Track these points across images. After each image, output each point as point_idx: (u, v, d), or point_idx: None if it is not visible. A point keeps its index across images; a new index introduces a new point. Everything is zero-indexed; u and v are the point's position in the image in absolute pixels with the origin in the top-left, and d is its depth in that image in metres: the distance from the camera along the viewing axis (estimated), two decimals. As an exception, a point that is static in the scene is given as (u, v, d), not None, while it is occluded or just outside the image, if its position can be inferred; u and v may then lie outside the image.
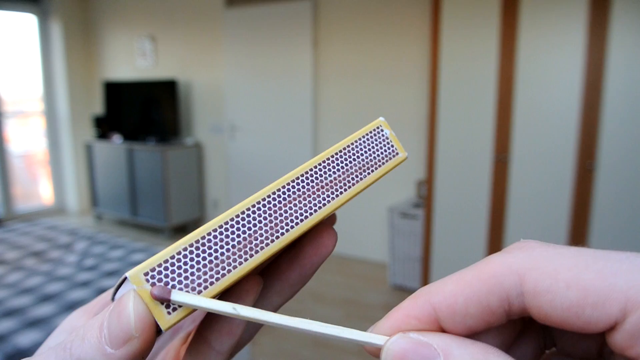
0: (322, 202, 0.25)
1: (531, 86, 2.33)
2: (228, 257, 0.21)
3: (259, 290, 0.24)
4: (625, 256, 0.17)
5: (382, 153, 0.28)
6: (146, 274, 0.19)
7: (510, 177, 2.43)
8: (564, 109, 2.28)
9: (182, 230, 4.37)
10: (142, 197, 4.24)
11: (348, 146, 0.27)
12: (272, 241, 0.22)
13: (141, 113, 4.43)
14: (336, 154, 0.26)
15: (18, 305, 1.60)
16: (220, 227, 0.21)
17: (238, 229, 0.22)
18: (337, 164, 0.26)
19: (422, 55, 3.17)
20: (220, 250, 0.21)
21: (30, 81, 4.83)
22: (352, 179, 0.26)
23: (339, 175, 0.26)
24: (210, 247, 0.21)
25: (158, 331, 0.19)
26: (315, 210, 0.25)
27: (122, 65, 4.82)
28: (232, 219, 0.22)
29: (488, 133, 2.45)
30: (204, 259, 0.21)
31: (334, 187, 0.25)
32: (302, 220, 0.24)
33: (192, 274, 0.20)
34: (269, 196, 0.23)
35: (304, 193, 0.24)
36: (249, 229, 0.22)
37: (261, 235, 0.22)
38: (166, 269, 0.20)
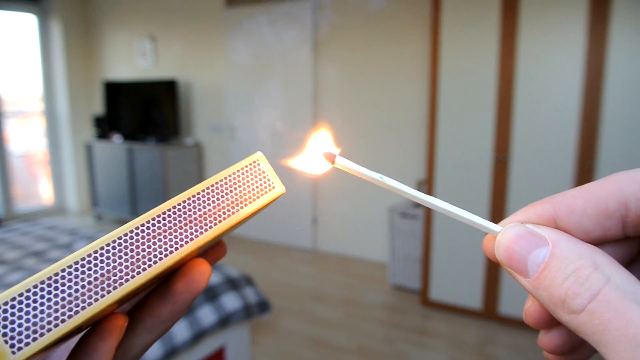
0: (189, 237, 0.24)
1: (531, 86, 2.33)
2: (83, 294, 0.21)
3: (123, 328, 0.24)
4: None
5: (257, 187, 0.27)
6: None
7: (510, 177, 2.43)
8: (564, 109, 2.28)
9: (182, 230, 4.36)
10: (142, 197, 4.24)
11: (221, 180, 0.26)
12: (133, 277, 0.22)
13: (141, 113, 4.43)
14: (207, 188, 0.26)
15: (18, 305, 1.59)
16: (77, 262, 0.21)
17: (96, 264, 0.21)
18: (208, 199, 0.26)
19: (422, 55, 3.17)
20: (74, 287, 0.20)
21: (30, 81, 4.83)
22: (223, 213, 0.26)
23: (209, 210, 0.25)
24: (63, 284, 0.20)
25: None
26: (182, 245, 0.24)
27: (122, 65, 4.82)
28: (89, 255, 0.21)
29: (488, 133, 2.45)
30: (56, 296, 0.20)
31: (203, 222, 0.25)
32: (166, 256, 0.23)
33: (42, 311, 0.19)
34: (131, 230, 0.23)
35: (169, 228, 0.24)
36: (108, 264, 0.22)
37: (121, 270, 0.22)
38: (13, 307, 0.19)
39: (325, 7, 3.52)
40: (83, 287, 0.21)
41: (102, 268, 0.21)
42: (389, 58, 3.33)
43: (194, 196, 0.26)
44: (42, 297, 0.20)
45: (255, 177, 0.27)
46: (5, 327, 0.19)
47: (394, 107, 3.35)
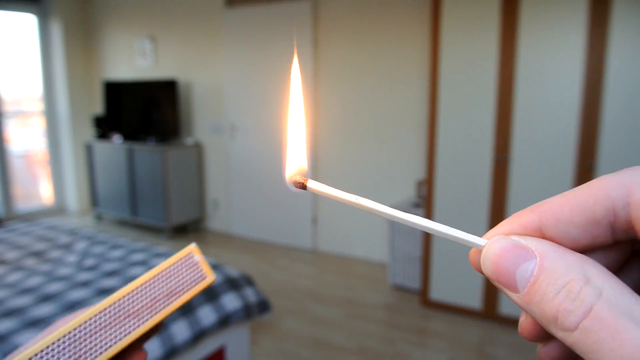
0: (128, 330, 0.27)
1: (531, 86, 2.33)
2: None
3: None
4: None
5: (190, 278, 0.29)
6: None
7: (510, 177, 2.43)
8: (564, 109, 2.28)
9: (182, 230, 4.37)
10: (142, 197, 4.24)
11: (158, 275, 0.28)
12: None
13: (141, 113, 4.43)
14: (145, 282, 0.28)
15: (18, 305, 1.60)
16: None
17: None
18: (145, 293, 0.28)
19: (422, 55, 3.17)
20: None
21: (30, 81, 4.83)
22: (159, 306, 0.28)
23: (146, 304, 0.27)
24: None
25: None
26: (120, 339, 0.26)
27: (122, 65, 4.82)
28: (36, 355, 0.24)
29: (488, 133, 2.45)
30: None
31: (140, 315, 0.27)
32: (106, 350, 0.26)
33: None
34: (72, 330, 0.25)
35: (109, 323, 0.26)
36: None
37: None
38: None
39: (325, 7, 3.52)
40: None
41: None
42: (389, 58, 3.33)
43: (132, 291, 0.27)
44: None
45: (189, 269, 0.29)
46: None
47: (394, 107, 3.35)
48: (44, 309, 1.57)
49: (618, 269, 0.23)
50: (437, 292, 2.73)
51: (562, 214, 0.21)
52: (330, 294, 3.01)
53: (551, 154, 2.33)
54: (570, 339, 0.18)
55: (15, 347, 1.35)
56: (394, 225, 3.02)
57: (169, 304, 0.28)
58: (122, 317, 0.27)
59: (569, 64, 2.24)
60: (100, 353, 0.25)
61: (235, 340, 1.96)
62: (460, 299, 2.67)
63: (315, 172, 3.70)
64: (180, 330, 1.64)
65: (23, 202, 4.80)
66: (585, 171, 2.25)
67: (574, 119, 2.25)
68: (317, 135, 3.69)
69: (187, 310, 1.71)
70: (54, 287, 1.75)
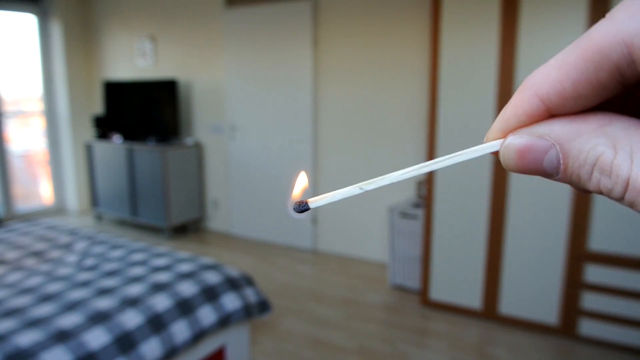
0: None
1: (531, 86, 2.33)
2: None
3: None
4: None
5: None
6: None
7: (510, 177, 2.43)
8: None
9: (182, 230, 4.37)
10: (142, 197, 4.24)
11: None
12: None
13: (141, 113, 4.43)
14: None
15: (18, 305, 1.60)
16: None
17: None
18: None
19: (422, 54, 3.17)
20: None
21: (30, 81, 4.83)
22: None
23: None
24: None
25: None
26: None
27: (122, 65, 4.82)
28: None
29: (488, 133, 2.45)
30: None
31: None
32: None
33: None
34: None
35: None
36: None
37: None
38: None
39: (325, 7, 3.52)
40: None
41: None
42: (388, 58, 3.33)
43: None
44: None
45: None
46: None
47: (394, 106, 3.35)
48: (44, 309, 1.57)
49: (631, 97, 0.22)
50: (437, 292, 2.73)
51: (566, 91, 0.20)
52: (330, 294, 3.01)
53: (551, 154, 2.33)
54: (626, 203, 0.19)
55: (15, 347, 1.35)
56: (394, 225, 3.02)
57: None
58: None
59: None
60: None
61: (235, 340, 1.96)
62: (460, 299, 2.67)
63: (316, 172, 3.70)
64: (180, 330, 1.64)
65: (23, 202, 4.80)
66: (585, 171, 2.25)
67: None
68: (317, 135, 3.69)
69: (187, 310, 1.71)
70: (54, 287, 1.75)
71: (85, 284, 1.78)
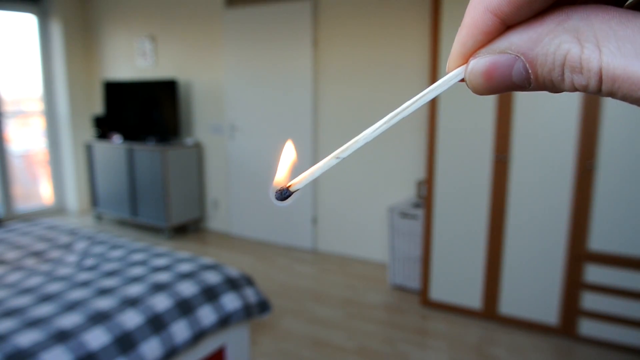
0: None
1: (531, 86, 2.33)
2: None
3: None
4: None
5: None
6: None
7: (510, 177, 2.43)
8: (564, 109, 2.28)
9: (182, 230, 4.37)
10: (142, 197, 4.24)
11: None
12: None
13: (141, 113, 4.43)
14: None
15: (18, 305, 1.60)
16: None
17: None
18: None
19: (422, 54, 3.17)
20: None
21: (30, 81, 4.83)
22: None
23: None
24: None
25: None
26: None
27: (122, 65, 4.82)
28: None
29: (488, 133, 2.45)
30: None
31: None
32: None
33: None
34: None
35: None
36: None
37: None
38: None
39: (325, 7, 3.52)
40: None
41: None
42: (388, 58, 3.33)
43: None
44: None
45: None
46: None
47: (394, 107, 3.34)
48: (44, 309, 1.57)
49: None
50: (437, 292, 2.73)
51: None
52: (330, 294, 3.01)
53: (551, 154, 2.33)
54: (604, 95, 0.18)
55: (15, 347, 1.35)
56: (394, 225, 3.02)
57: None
58: None
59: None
60: None
61: (235, 340, 1.96)
62: (460, 299, 2.67)
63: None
64: (181, 330, 1.64)
65: (23, 202, 4.80)
66: (585, 171, 2.25)
67: (574, 119, 2.25)
68: (317, 135, 3.69)
69: (187, 310, 1.71)
70: (54, 287, 1.75)
71: (85, 284, 1.78)
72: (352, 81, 3.50)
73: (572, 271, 2.34)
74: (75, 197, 5.01)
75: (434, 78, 2.53)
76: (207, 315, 1.75)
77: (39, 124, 4.92)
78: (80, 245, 2.27)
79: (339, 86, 3.56)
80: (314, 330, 2.54)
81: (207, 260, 2.05)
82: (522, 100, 2.35)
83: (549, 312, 2.43)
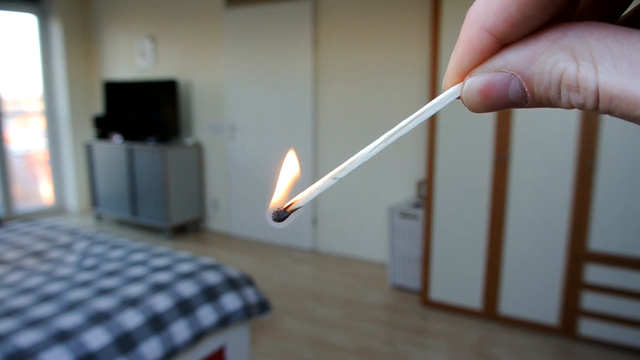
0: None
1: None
2: None
3: None
4: None
5: None
6: None
7: (510, 177, 2.43)
8: (564, 109, 2.28)
9: (182, 230, 4.37)
10: (142, 197, 4.24)
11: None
12: None
13: (141, 113, 4.43)
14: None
15: (18, 305, 1.60)
16: None
17: None
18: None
19: (422, 55, 3.17)
20: None
21: (30, 81, 4.83)
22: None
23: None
24: None
25: None
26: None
27: (122, 65, 4.82)
28: None
29: (488, 133, 2.45)
30: None
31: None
32: None
33: None
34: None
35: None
36: None
37: None
38: None
39: (325, 7, 3.52)
40: None
41: None
42: (389, 58, 3.33)
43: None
44: None
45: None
46: None
47: (394, 107, 3.35)
48: (44, 309, 1.57)
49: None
50: (437, 292, 2.73)
51: (512, 17, 0.19)
52: (330, 294, 3.01)
53: (551, 154, 2.33)
54: (602, 112, 0.18)
55: (15, 347, 1.35)
56: (394, 225, 3.02)
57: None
58: None
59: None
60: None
61: (235, 340, 1.96)
62: (460, 299, 2.67)
63: (316, 172, 3.69)
64: (181, 330, 1.64)
65: (23, 202, 4.80)
66: (585, 171, 2.25)
67: (574, 119, 2.25)
68: (317, 135, 3.69)
69: (187, 310, 1.71)
70: (54, 287, 1.75)
71: (85, 284, 1.78)
72: (352, 81, 3.50)
73: (572, 271, 2.34)
74: (75, 197, 5.01)
75: (434, 78, 2.53)
76: (207, 315, 1.75)
77: (39, 124, 4.92)
78: (80, 246, 2.27)
79: (339, 86, 3.56)
80: (314, 330, 2.54)
81: (207, 260, 2.05)
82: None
83: (549, 312, 2.43)
